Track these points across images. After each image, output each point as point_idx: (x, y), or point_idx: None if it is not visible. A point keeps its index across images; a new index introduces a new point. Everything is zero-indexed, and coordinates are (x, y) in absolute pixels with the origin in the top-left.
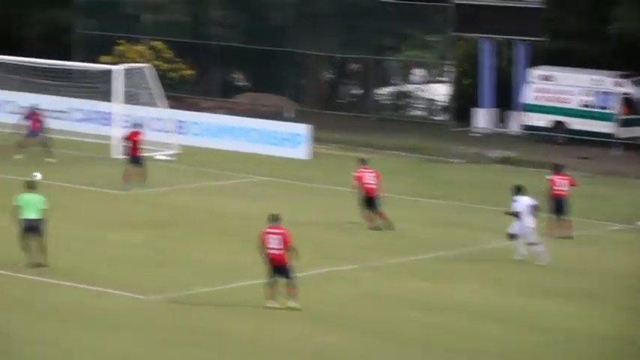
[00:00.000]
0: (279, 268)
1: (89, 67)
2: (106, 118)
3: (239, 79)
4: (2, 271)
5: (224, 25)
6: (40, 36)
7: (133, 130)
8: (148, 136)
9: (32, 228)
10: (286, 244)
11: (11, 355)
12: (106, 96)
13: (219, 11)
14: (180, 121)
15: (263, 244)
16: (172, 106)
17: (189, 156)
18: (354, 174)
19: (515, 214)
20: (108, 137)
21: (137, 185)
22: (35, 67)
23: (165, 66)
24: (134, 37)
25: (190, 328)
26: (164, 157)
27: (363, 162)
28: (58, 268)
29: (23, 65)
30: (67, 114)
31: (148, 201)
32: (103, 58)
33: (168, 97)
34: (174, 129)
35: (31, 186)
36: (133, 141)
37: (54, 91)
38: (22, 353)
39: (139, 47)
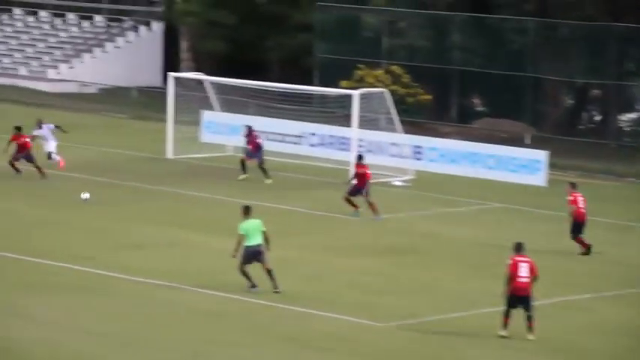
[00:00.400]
0: (522, 297)
1: (328, 91)
2: (343, 143)
3: (477, 104)
4: (246, 298)
5: (463, 50)
6: (281, 60)
7: (358, 162)
8: (384, 161)
9: (256, 254)
10: (533, 273)
11: None
12: (341, 120)
13: (459, 35)
14: (417, 147)
15: (513, 273)
16: (408, 131)
17: (424, 182)
18: (568, 198)
19: None
20: (345, 162)
21: (354, 214)
22: (274, 91)
23: (403, 91)
24: (373, 61)
25: (424, 356)
26: (399, 183)
27: (573, 186)
28: (291, 293)
29: (262, 89)
30: (302, 138)
31: (381, 227)
32: (343, 83)
33: (404, 122)
34: (410, 154)
35: (248, 212)
36: (359, 174)
37: (291, 115)
38: None
39: (378, 72)
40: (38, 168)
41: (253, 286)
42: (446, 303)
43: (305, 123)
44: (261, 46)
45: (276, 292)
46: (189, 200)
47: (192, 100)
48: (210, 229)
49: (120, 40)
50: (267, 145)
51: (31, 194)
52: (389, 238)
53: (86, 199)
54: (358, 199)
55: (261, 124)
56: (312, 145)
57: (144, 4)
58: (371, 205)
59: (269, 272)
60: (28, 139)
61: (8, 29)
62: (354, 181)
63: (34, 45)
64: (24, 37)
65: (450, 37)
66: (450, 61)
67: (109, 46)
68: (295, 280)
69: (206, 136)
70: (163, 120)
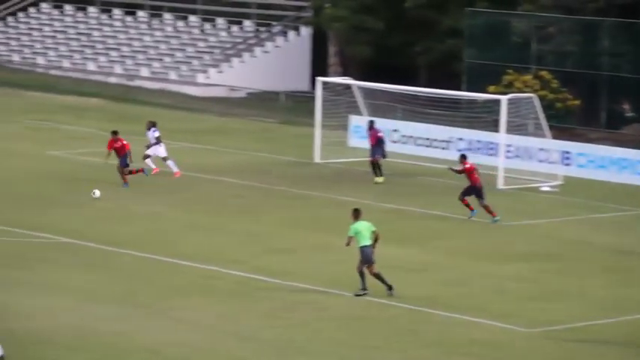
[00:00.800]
0: None
1: (476, 96)
2: (490, 148)
3: (627, 109)
4: (392, 303)
5: (612, 55)
6: (428, 65)
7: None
8: (532, 167)
9: (369, 254)
10: None
11: None
12: (489, 125)
13: (608, 41)
14: (565, 152)
15: None
16: (556, 137)
17: (573, 187)
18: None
19: None
20: (493, 167)
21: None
22: (421, 95)
23: (551, 96)
24: (522, 66)
25: None
26: (547, 189)
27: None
28: (436, 298)
29: (410, 94)
30: (450, 143)
31: (528, 232)
32: (491, 88)
33: (552, 128)
34: (558, 160)
35: (358, 215)
36: (469, 171)
37: (439, 120)
38: None
39: (526, 77)
40: (124, 174)
41: (365, 290)
42: (592, 310)
43: (453, 128)
44: (409, 51)
45: (391, 292)
46: (336, 204)
47: (340, 104)
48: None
49: (269, 45)
50: (415, 150)
51: (182, 198)
52: (535, 244)
53: (96, 197)
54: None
55: (409, 128)
56: (460, 150)
57: (293, 10)
58: (486, 207)
59: (377, 276)
60: (125, 142)
61: (158, 34)
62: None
63: (184, 50)
64: (174, 41)
65: (599, 42)
66: (599, 67)
67: (257, 50)
68: (440, 285)
69: (353, 141)
70: (311, 124)
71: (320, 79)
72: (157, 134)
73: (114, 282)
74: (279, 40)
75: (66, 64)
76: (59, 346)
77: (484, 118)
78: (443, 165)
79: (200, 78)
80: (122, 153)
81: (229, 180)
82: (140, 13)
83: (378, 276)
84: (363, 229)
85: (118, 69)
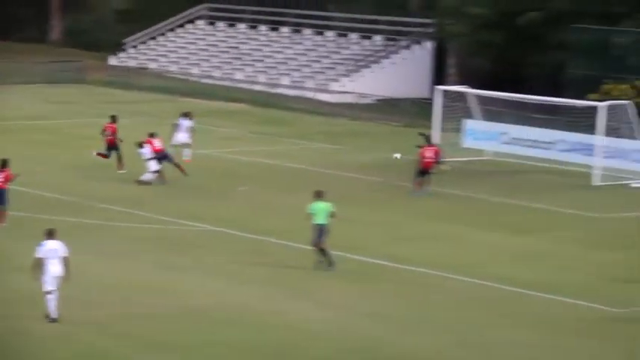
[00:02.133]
0: None
1: (578, 103)
2: (589, 149)
3: None
4: (502, 286)
5: None
6: (538, 75)
7: (429, 147)
8: (626, 166)
9: (320, 231)
10: None
11: None
12: (589, 129)
13: None
14: None
15: None
16: None
17: None
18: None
19: None
20: (590, 166)
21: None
22: (530, 102)
23: None
24: (620, 76)
25: None
26: (638, 185)
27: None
28: (544, 282)
29: (519, 101)
30: (552, 144)
31: (623, 224)
32: (591, 96)
33: None
34: None
35: (319, 196)
36: (422, 157)
37: (544, 124)
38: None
39: (623, 86)
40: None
41: (330, 264)
42: None
43: (556, 131)
44: (522, 62)
45: (331, 269)
46: (452, 199)
47: (456, 110)
48: (471, 224)
49: (395, 57)
50: (523, 151)
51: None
52: (632, 234)
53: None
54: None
55: (518, 131)
56: (562, 151)
57: (418, 26)
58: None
59: (322, 251)
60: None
61: (298, 47)
62: None
63: (320, 61)
64: (312, 54)
65: None
66: None
67: (385, 62)
68: (549, 271)
69: (468, 142)
70: (430, 127)
71: (439, 87)
72: (190, 124)
73: (261, 267)
74: (405, 52)
75: (216, 73)
76: (217, 321)
77: (583, 122)
78: (546, 164)
79: (334, 86)
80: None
81: (360, 176)
82: (283, 29)
83: (323, 251)
84: (321, 208)
85: (262, 78)
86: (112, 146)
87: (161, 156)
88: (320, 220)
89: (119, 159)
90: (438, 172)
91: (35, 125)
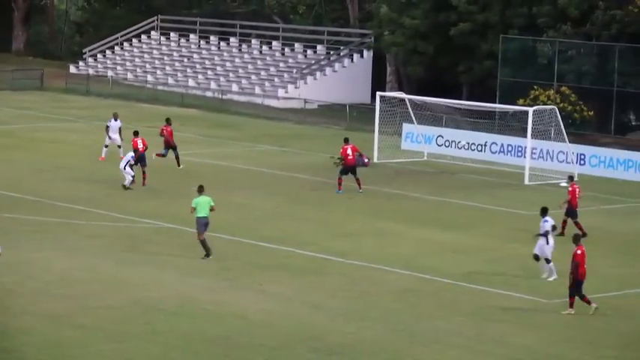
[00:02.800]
0: None
1: (507, 108)
2: (519, 151)
3: (633, 119)
4: (438, 278)
5: (621, 74)
6: (469, 82)
7: (346, 145)
8: (553, 166)
9: (201, 224)
10: None
11: None
12: (518, 132)
13: (619, 62)
14: (581, 154)
15: None
16: (573, 142)
17: (586, 183)
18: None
19: (545, 235)
20: (521, 167)
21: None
22: (463, 108)
23: (570, 108)
24: (546, 83)
25: (588, 327)
26: (565, 184)
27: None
28: (476, 274)
29: (453, 106)
30: (485, 147)
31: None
32: (520, 101)
33: (570, 134)
34: (574, 161)
35: (201, 190)
36: (344, 155)
37: (476, 127)
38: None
39: (550, 92)
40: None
41: (208, 255)
42: (603, 284)
43: (488, 134)
44: (454, 70)
45: (207, 258)
46: (391, 197)
47: (395, 114)
48: (409, 220)
49: (337, 66)
50: (457, 152)
51: (266, 192)
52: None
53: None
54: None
55: (452, 134)
56: (494, 153)
57: (357, 36)
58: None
59: (203, 242)
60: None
61: (247, 56)
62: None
63: (268, 69)
64: (259, 62)
65: (611, 63)
66: (611, 83)
67: (328, 70)
68: (480, 263)
69: (406, 145)
70: (371, 131)
71: (379, 93)
72: (119, 124)
73: (209, 260)
74: (346, 61)
75: (170, 81)
76: (166, 312)
77: (514, 126)
78: (480, 165)
79: (280, 92)
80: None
81: (305, 177)
82: (232, 39)
83: (203, 242)
84: (203, 202)
85: (213, 85)
86: (170, 146)
87: (141, 157)
88: (202, 213)
89: (177, 157)
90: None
91: None
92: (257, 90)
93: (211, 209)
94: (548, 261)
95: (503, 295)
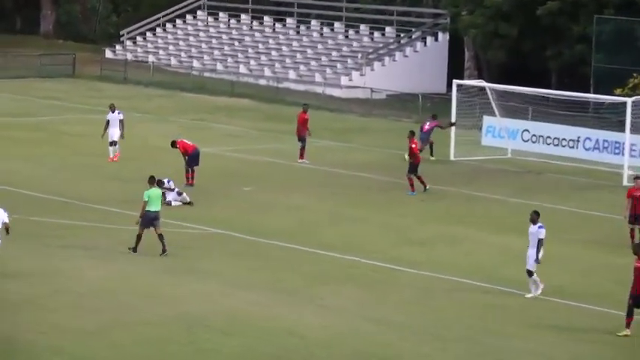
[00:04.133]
0: None
1: (603, 98)
2: (616, 147)
3: None
4: (523, 292)
5: None
6: (559, 69)
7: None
8: None
9: (153, 219)
10: None
11: None
12: (616, 126)
13: None
14: None
15: None
16: None
17: None
18: None
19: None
20: (619, 166)
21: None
22: (552, 97)
23: None
24: None
25: None
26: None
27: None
28: (566, 287)
29: (540, 96)
30: (578, 142)
31: None
32: (617, 90)
33: None
34: None
35: (153, 182)
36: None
37: (567, 121)
38: None
39: None
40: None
41: (135, 250)
42: None
43: (580, 128)
44: (541, 55)
45: (165, 255)
46: (469, 199)
47: (474, 105)
48: (490, 226)
49: (408, 50)
50: (545, 149)
51: (327, 192)
52: None
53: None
54: None
55: (539, 128)
56: (587, 150)
57: (431, 17)
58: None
59: (160, 237)
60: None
61: (305, 39)
62: None
63: (329, 54)
64: (320, 46)
65: None
66: None
67: (397, 55)
68: (571, 275)
69: (486, 140)
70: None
71: (456, 81)
72: (121, 116)
73: (262, 270)
74: (418, 45)
75: (219, 67)
76: (213, 329)
77: (610, 119)
78: (571, 163)
79: (344, 80)
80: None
81: (370, 176)
82: (289, 20)
83: (161, 236)
84: (154, 195)
85: (267, 72)
86: (300, 137)
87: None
88: (154, 207)
89: (302, 150)
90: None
91: (21, 122)
92: (317, 78)
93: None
94: (530, 273)
95: (598, 312)
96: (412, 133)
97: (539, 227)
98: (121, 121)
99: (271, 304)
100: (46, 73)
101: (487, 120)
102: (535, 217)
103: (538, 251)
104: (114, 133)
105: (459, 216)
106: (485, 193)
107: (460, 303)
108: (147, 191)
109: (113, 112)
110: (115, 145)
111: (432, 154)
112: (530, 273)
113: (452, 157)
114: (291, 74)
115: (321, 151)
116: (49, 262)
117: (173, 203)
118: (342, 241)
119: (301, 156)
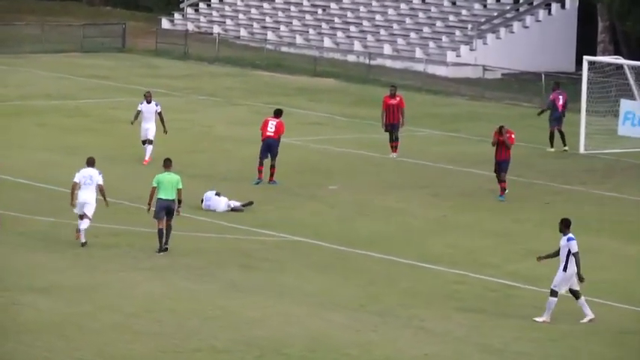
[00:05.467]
0: None
1: None
2: None
3: None
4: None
5: None
6: None
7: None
8: None
9: (162, 207)
10: None
11: None
12: None
13: None
14: None
15: None
16: None
17: None
18: None
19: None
20: None
21: None
22: None
23: None
24: None
25: None
26: None
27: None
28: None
29: None
30: None
31: None
32: None
33: None
34: None
35: (167, 165)
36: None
37: None
38: None
39: None
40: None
41: (161, 250)
42: None
43: None
44: None
45: (163, 252)
46: (603, 202)
47: (610, 87)
48: (627, 234)
49: (528, 20)
50: None
51: (429, 193)
52: None
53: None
54: None
55: None
56: None
57: None
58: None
59: (167, 228)
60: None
61: (403, 6)
62: None
63: (432, 24)
64: (421, 15)
65: None
66: None
67: (516, 25)
68: None
69: (624, 129)
70: (576, 110)
71: (587, 58)
72: (158, 108)
73: (351, 286)
74: (541, 13)
75: (299, 40)
76: (292, 357)
77: None
78: None
79: (450, 56)
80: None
81: (482, 172)
82: None
83: (168, 229)
84: (166, 181)
85: (357, 46)
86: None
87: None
88: (165, 194)
89: (393, 141)
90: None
91: (59, 106)
92: (417, 53)
93: (178, 193)
94: (554, 294)
95: None
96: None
97: (569, 239)
98: (160, 115)
99: (362, 327)
100: (90, 47)
101: (625, 105)
102: (562, 227)
103: (578, 267)
104: (149, 129)
105: (591, 222)
106: (623, 193)
107: (591, 328)
108: (158, 175)
109: (149, 102)
110: (151, 144)
111: (564, 144)
112: (553, 293)
113: (581, 150)
114: (386, 49)
115: (422, 143)
116: (93, 274)
117: (232, 205)
118: (447, 252)
119: (394, 149)
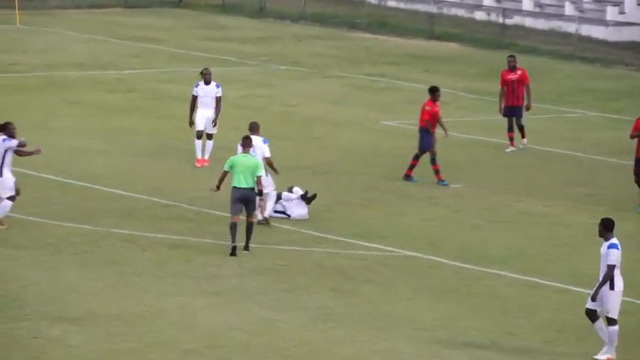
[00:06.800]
0: None
1: None
2: None
3: None
4: None
5: None
6: None
7: None
8: None
9: (242, 199)
10: None
11: None
12: None
13: None
14: None
15: None
16: None
17: None
18: None
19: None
20: None
21: None
22: None
23: None
24: None
25: None
26: None
27: None
28: None
29: None
30: None
31: None
32: None
33: None
34: None
35: (246, 144)
36: None
37: None
38: None
39: None
40: None
41: (233, 253)
42: None
43: None
44: None
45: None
46: None
47: None
48: None
49: None
50: None
51: (583, 193)
52: None
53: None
54: None
55: None
56: None
57: None
58: None
59: (249, 227)
60: None
61: None
62: None
63: None
64: None
65: None
66: None
67: None
68: None
69: None
70: None
71: None
72: (220, 93)
73: (480, 315)
74: None
75: None
76: None
77: None
78: None
79: (610, 14)
80: None
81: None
82: None
83: (249, 227)
84: (242, 164)
85: (487, 0)
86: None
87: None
88: (240, 182)
89: (520, 131)
90: None
91: (97, 77)
92: (568, 9)
93: (257, 182)
94: (612, 322)
95: None
96: None
97: (609, 247)
98: (218, 101)
99: None
100: (137, 1)
101: None
102: (602, 229)
103: (600, 285)
104: (208, 118)
105: None
106: None
107: None
108: (232, 157)
109: (207, 82)
110: (211, 139)
111: None
112: (591, 315)
113: None
114: (526, 3)
115: (573, 127)
116: (141, 300)
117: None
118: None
119: (522, 135)
